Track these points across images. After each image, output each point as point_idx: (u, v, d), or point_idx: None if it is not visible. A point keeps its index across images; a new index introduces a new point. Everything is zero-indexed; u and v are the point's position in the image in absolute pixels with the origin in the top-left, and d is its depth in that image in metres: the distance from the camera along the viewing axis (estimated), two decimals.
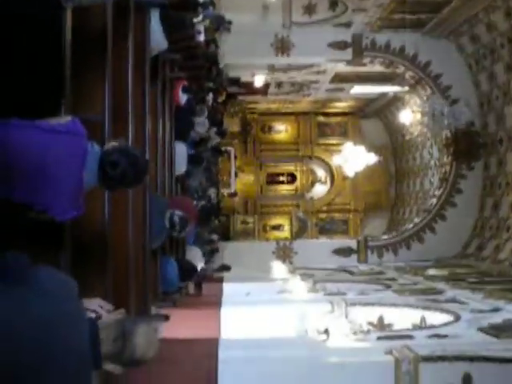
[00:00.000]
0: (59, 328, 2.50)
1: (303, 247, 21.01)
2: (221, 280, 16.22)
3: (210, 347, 8.17)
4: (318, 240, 26.31)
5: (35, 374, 2.38)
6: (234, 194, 27.63)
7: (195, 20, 11.85)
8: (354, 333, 8.87)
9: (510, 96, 18.33)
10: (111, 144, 3.60)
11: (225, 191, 26.62)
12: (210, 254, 12.96)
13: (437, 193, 21.14)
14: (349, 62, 21.16)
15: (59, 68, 3.34)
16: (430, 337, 8.93)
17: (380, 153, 25.43)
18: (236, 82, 24.20)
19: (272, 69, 23.45)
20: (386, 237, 21.89)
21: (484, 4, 17.15)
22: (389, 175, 29.34)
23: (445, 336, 8.91)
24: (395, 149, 28.98)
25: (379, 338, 8.80)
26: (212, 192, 17.11)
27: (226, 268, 15.82)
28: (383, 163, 27.72)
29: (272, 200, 29.34)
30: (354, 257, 20.57)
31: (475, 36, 18.87)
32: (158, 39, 5.68)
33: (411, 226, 21.23)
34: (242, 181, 28.82)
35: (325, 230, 28.58)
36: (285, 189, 29.74)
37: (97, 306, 3.04)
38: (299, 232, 27.44)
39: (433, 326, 9.77)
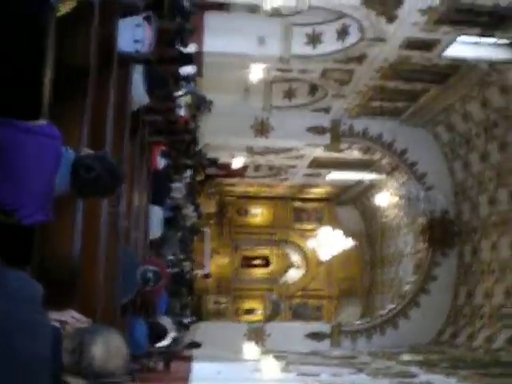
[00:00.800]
0: (16, 333, 2.37)
1: (276, 330, 20.68)
2: (190, 359, 15.81)
3: None
4: (291, 323, 25.93)
5: None
6: (208, 276, 27.35)
7: (176, 94, 12.06)
8: None
9: (485, 185, 18.61)
10: (87, 151, 3.55)
11: (199, 272, 26.32)
12: (180, 326, 12.64)
13: (411, 279, 21.10)
14: (327, 148, 21.43)
15: (39, 69, 3.30)
16: None
17: (355, 239, 25.47)
18: (214, 162, 24.37)
19: (251, 151, 23.68)
20: (359, 322, 21.66)
21: (460, 94, 17.63)
22: (363, 262, 29.32)
23: None
24: (370, 236, 29.07)
25: None
26: (186, 265, 16.90)
27: (195, 345, 15.45)
28: (359, 249, 27.77)
29: (246, 283, 29.09)
30: (328, 341, 20.26)
31: (451, 125, 19.31)
32: (139, 93, 5.70)
33: (385, 311, 21.06)
34: (216, 262, 28.62)
35: (298, 314, 28.25)
36: (259, 272, 29.57)
37: (68, 317, 2.84)
38: (272, 315, 27.09)
39: None
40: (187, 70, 12.11)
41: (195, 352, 16.45)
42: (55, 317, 2.73)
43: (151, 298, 6.66)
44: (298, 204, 30.37)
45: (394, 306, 21.05)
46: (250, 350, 17.01)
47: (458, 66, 16.44)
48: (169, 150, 9.12)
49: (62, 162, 3.27)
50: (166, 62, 9.52)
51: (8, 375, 2.32)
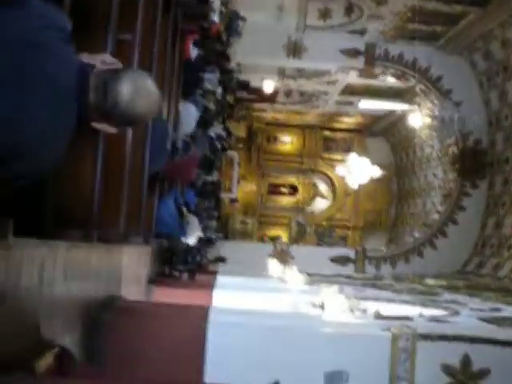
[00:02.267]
0: (39, 52, 2.19)
1: (301, 253, 20.72)
2: (215, 273, 15.93)
3: (201, 312, 7.90)
4: (316, 247, 26.00)
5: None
6: (236, 200, 27.36)
7: None
8: (351, 310, 8.58)
9: None
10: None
11: (226, 196, 26.32)
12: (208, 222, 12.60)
13: (440, 209, 20.90)
14: (360, 72, 21.02)
15: None
16: (430, 320, 8.64)
17: (384, 170, 25.22)
18: (245, 85, 24.06)
19: (282, 74, 23.35)
20: (385, 249, 21.62)
21: (501, 19, 17.02)
22: (391, 195, 29.13)
23: (445, 321, 8.62)
24: (399, 168, 28.77)
25: (377, 317, 8.51)
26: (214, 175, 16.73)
27: (221, 259, 15.54)
28: (387, 181, 27.56)
29: (272, 210, 29.12)
30: (352, 266, 20.28)
31: (489, 53, 18.75)
32: None
33: (412, 240, 20.96)
34: (243, 189, 28.59)
35: (323, 241, 28.28)
36: (286, 200, 29.53)
37: (99, 62, 2.51)
38: (298, 237, 27.17)
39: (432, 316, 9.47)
40: None
41: (220, 268, 16.57)
42: (85, 60, 2.51)
43: (181, 175, 6.58)
44: (327, 133, 30.10)
45: (420, 234, 20.93)
46: (275, 268, 17.05)
47: None
48: (202, 39, 8.92)
49: None
50: None
51: (32, 89, 2.17)
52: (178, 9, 7.11)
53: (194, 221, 9.44)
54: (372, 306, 9.67)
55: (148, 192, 5.50)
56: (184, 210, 6.93)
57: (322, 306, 8.37)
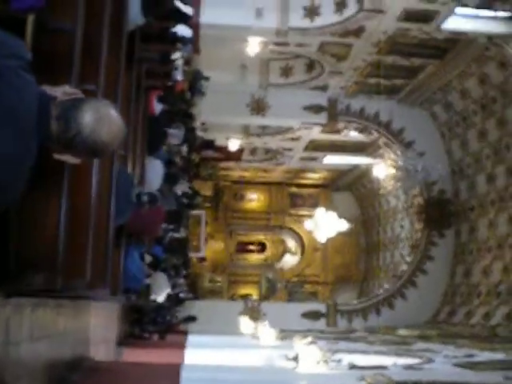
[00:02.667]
0: None
1: (272, 309, 20.55)
2: (186, 333, 15.66)
3: (173, 369, 7.72)
4: (287, 303, 25.81)
5: None
6: (204, 259, 27.19)
7: (173, 57, 11.88)
8: (326, 361, 8.45)
9: (482, 163, 18.50)
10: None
11: (194, 255, 26.14)
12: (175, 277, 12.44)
13: (408, 259, 20.99)
14: (323, 127, 21.31)
15: None
16: (406, 368, 8.54)
17: (351, 224, 25.35)
18: (210, 144, 24.22)
19: (247, 133, 23.54)
20: (355, 302, 21.54)
21: (458, 70, 17.48)
22: (359, 248, 29.23)
23: (420, 369, 8.53)
24: (366, 222, 28.97)
25: (352, 368, 8.39)
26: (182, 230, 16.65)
27: (191, 319, 15.31)
28: (354, 235, 27.71)
29: (241, 269, 28.95)
30: (323, 321, 20.12)
31: (449, 103, 19.19)
32: (134, 14, 5.55)
33: (382, 291, 20.94)
34: (211, 248, 28.45)
35: (294, 297, 28.10)
36: (255, 258, 29.43)
37: (61, 93, 2.46)
38: (268, 293, 26.96)
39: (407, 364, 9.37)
40: (184, 31, 11.92)
41: (191, 327, 16.32)
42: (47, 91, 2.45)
43: (147, 228, 6.49)
44: (293, 189, 30.29)
45: (390, 286, 20.93)
46: (247, 325, 16.85)
47: (457, 40, 16.29)
48: (166, 95, 8.95)
49: None
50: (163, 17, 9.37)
51: None
52: (142, 65, 7.15)
53: (162, 277, 9.33)
54: (346, 357, 9.56)
55: (114, 244, 5.41)
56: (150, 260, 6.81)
57: (296, 359, 8.23)
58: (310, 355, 8.49)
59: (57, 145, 2.36)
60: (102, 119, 2.35)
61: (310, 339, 10.03)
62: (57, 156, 2.44)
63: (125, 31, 5.45)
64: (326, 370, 8.17)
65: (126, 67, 6.40)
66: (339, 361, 8.69)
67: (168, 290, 9.64)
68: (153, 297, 8.71)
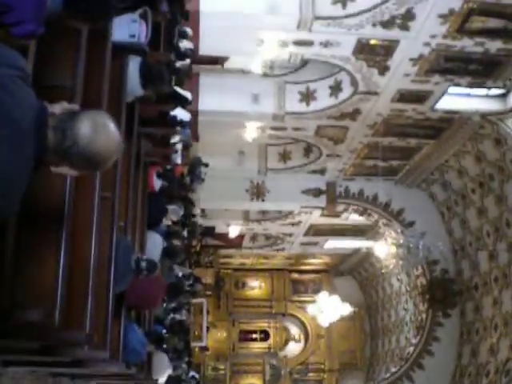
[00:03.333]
0: None
1: None
2: None
3: None
4: None
5: None
6: (206, 348, 26.69)
7: (172, 140, 12.06)
8: None
9: (483, 241, 18.47)
10: None
11: (196, 345, 25.69)
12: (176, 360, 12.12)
13: (414, 341, 20.64)
14: (323, 211, 21.40)
15: None
16: None
17: (354, 308, 25.08)
18: (211, 231, 24.24)
19: (247, 219, 23.61)
20: None
21: (454, 149, 17.71)
22: (364, 333, 28.83)
23: None
24: (370, 306, 28.67)
25: None
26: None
27: None
28: (358, 320, 27.41)
29: (244, 358, 28.41)
30: None
31: (446, 183, 19.33)
32: (134, 85, 5.66)
33: (388, 375, 20.50)
34: (213, 337, 28.01)
35: None
36: (258, 346, 28.93)
37: (59, 109, 2.44)
38: (272, 381, 26.35)
39: None
40: (183, 115, 12.14)
41: None
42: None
43: (146, 299, 6.40)
44: (295, 276, 30.14)
45: (396, 369, 20.49)
46: None
47: (451, 119, 16.56)
48: (165, 171, 9.03)
49: None
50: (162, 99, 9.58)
51: None
52: (141, 141, 7.26)
53: (163, 358, 9.15)
54: None
55: (114, 310, 5.34)
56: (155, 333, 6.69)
57: None
58: None
59: (54, 156, 2.36)
60: (98, 130, 2.34)
61: None
62: (54, 169, 2.44)
63: (124, 100, 5.55)
64: None
65: (126, 139, 6.49)
66: None
67: (169, 371, 9.42)
68: (153, 376, 8.51)
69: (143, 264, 5.50)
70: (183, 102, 11.31)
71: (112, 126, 2.42)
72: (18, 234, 3.37)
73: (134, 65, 5.72)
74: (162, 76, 6.00)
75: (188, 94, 12.36)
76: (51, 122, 2.33)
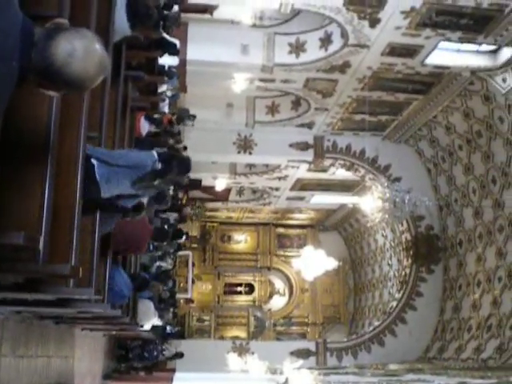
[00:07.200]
0: None
1: (260, 348, 20.23)
2: (173, 370, 15.39)
3: None
4: (276, 342, 25.50)
5: None
6: (191, 300, 26.89)
7: (160, 90, 11.93)
8: None
9: (469, 198, 18.55)
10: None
11: (181, 297, 25.83)
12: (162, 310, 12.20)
13: (397, 296, 20.85)
14: (310, 165, 21.36)
15: None
16: None
17: (339, 262, 25.23)
18: (198, 184, 24.15)
19: (233, 172, 23.53)
20: (345, 339, 21.31)
21: (443, 105, 17.63)
22: (348, 288, 29.07)
23: None
24: (354, 262, 28.88)
25: None
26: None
27: (179, 355, 15.05)
28: (342, 275, 27.65)
29: (229, 310, 28.64)
30: (313, 359, 19.82)
31: (434, 139, 19.32)
32: (121, 23, 5.55)
33: (371, 328, 20.74)
34: (199, 289, 28.18)
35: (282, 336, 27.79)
36: (242, 299, 29.14)
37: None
38: (256, 332, 26.64)
39: None
40: (171, 61, 12.00)
41: (178, 365, 16.04)
42: None
43: (132, 242, 6.38)
44: (281, 230, 30.22)
45: (379, 323, 20.74)
46: (235, 362, 16.58)
47: (441, 75, 16.46)
48: (152, 113, 8.93)
49: None
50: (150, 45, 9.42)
51: None
52: (128, 84, 7.15)
53: (149, 304, 9.18)
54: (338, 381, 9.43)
55: (100, 251, 5.31)
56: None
57: (285, 383, 8.07)
58: (300, 378, 8.33)
59: (35, 75, 2.27)
60: (75, 54, 2.21)
61: (300, 362, 9.88)
62: (38, 89, 2.35)
63: (111, 40, 5.44)
64: None
65: (112, 81, 6.39)
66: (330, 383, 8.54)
67: (155, 319, 9.47)
68: (139, 322, 8.55)
69: (129, 203, 5.37)
70: (171, 49, 11.15)
71: (92, 47, 2.27)
72: (1, 164, 3.31)
73: (121, 2, 5.60)
74: (150, 14, 5.88)
75: (176, 41, 12.19)
76: (35, 37, 2.23)
